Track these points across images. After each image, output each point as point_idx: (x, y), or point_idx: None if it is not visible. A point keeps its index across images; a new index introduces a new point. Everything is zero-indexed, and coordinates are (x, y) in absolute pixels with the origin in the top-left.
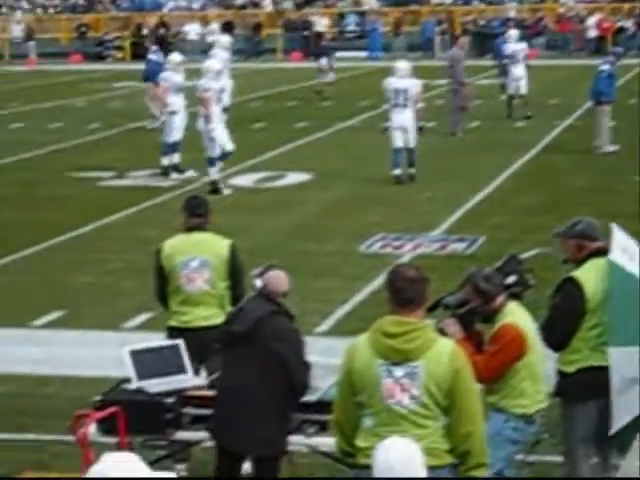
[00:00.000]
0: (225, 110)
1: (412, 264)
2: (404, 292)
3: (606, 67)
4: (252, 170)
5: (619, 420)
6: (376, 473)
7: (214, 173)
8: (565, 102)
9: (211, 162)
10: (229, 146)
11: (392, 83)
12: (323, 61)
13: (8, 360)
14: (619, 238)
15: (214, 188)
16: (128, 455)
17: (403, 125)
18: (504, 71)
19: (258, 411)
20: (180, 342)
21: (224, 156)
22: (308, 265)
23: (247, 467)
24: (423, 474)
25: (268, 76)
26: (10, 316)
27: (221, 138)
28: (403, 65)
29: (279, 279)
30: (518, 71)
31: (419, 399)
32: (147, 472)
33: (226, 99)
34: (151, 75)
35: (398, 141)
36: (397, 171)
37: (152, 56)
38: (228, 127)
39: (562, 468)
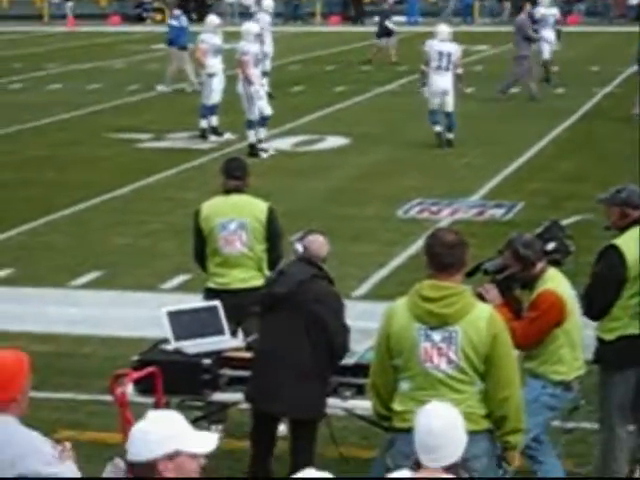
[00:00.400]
0: (265, 74)
1: (451, 228)
2: (443, 257)
3: None
4: (290, 133)
5: None
6: (417, 438)
7: (252, 136)
8: (605, 69)
9: (250, 125)
10: (267, 110)
11: (434, 46)
12: (390, 24)
13: (46, 320)
14: None
15: (253, 151)
16: (172, 413)
17: (444, 88)
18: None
19: (298, 373)
20: (218, 303)
21: (263, 120)
22: (346, 229)
23: (283, 429)
24: (464, 440)
25: (306, 40)
26: (48, 276)
27: (262, 101)
28: (445, 28)
29: (319, 243)
30: (548, 35)
31: (456, 363)
32: (190, 431)
33: (267, 63)
34: (174, 40)
35: (435, 105)
36: (438, 127)
37: (172, 21)
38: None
39: (598, 434)
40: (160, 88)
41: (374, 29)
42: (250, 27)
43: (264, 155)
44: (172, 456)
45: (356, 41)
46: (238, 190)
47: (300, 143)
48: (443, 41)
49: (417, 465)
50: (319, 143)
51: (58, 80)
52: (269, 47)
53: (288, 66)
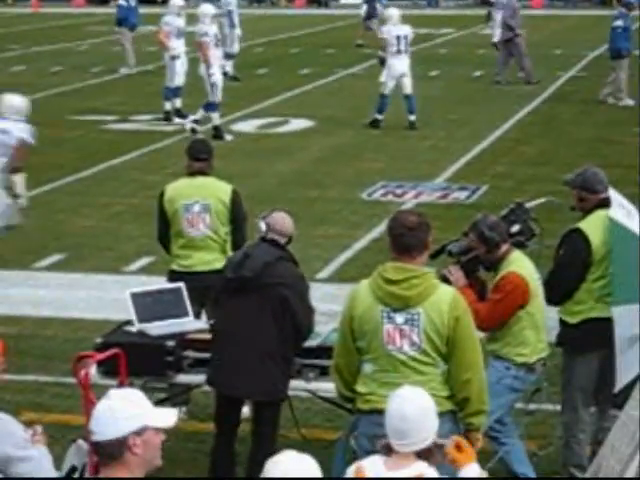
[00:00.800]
0: (231, 57)
1: (414, 210)
2: (405, 238)
3: (619, 22)
4: (255, 116)
5: (623, 378)
6: (389, 423)
7: (216, 118)
8: (569, 53)
9: (213, 107)
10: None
11: (392, 31)
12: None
13: (9, 302)
14: (615, 195)
15: (217, 133)
16: (133, 391)
17: (402, 71)
18: (489, 18)
19: (262, 356)
20: (181, 285)
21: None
22: (310, 212)
23: (246, 411)
24: (436, 425)
25: (271, 22)
26: (12, 258)
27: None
28: (396, 12)
29: (284, 220)
30: (500, 18)
31: (419, 345)
32: (152, 407)
33: (236, 45)
34: (123, 20)
35: (389, 89)
36: (381, 116)
37: (121, 1)
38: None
39: (560, 416)
40: (124, 71)
41: (338, 12)
42: (206, 9)
43: (228, 137)
44: (140, 432)
45: (321, 24)
46: (202, 172)
47: (264, 125)
48: (397, 25)
49: (388, 450)
50: (283, 126)
51: (22, 62)
52: (238, 29)
53: (253, 48)
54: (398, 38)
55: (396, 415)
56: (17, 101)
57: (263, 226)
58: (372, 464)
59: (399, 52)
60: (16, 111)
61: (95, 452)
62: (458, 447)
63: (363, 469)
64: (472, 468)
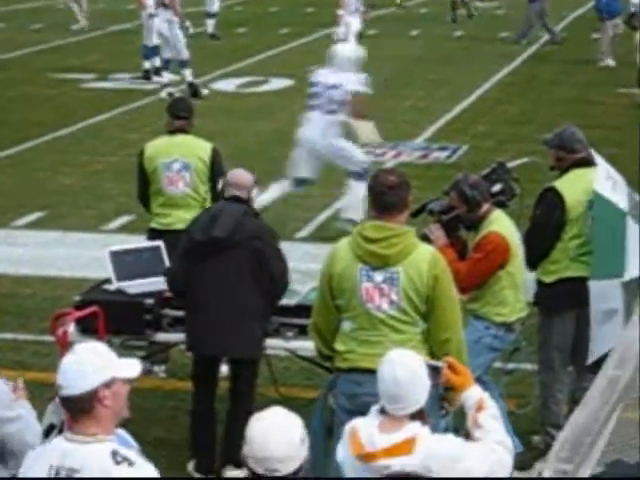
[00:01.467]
0: (212, 15)
1: (394, 170)
2: (385, 197)
3: None
4: (234, 75)
5: (597, 351)
6: (381, 387)
7: (189, 75)
8: (550, 13)
9: (183, 64)
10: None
11: None
12: None
13: None
14: (602, 163)
15: (193, 90)
16: (97, 344)
17: (358, 29)
18: None
19: (242, 312)
20: (160, 244)
21: (167, 63)
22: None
23: (225, 369)
24: (427, 385)
25: None
26: None
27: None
28: None
29: (242, 173)
30: None
31: (398, 304)
32: (117, 358)
33: (216, 4)
34: None
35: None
36: None
37: None
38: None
39: (538, 376)
40: (76, 27)
41: None
42: None
43: (204, 92)
44: (109, 383)
45: None
46: (183, 130)
47: (244, 84)
48: None
49: (382, 412)
50: (263, 85)
51: (2, 19)
52: None
53: (232, 7)
54: None
55: (388, 379)
56: (350, 52)
57: (220, 184)
58: (366, 425)
59: (356, 10)
60: (350, 62)
61: (65, 407)
62: (452, 369)
63: (357, 429)
64: (473, 392)
